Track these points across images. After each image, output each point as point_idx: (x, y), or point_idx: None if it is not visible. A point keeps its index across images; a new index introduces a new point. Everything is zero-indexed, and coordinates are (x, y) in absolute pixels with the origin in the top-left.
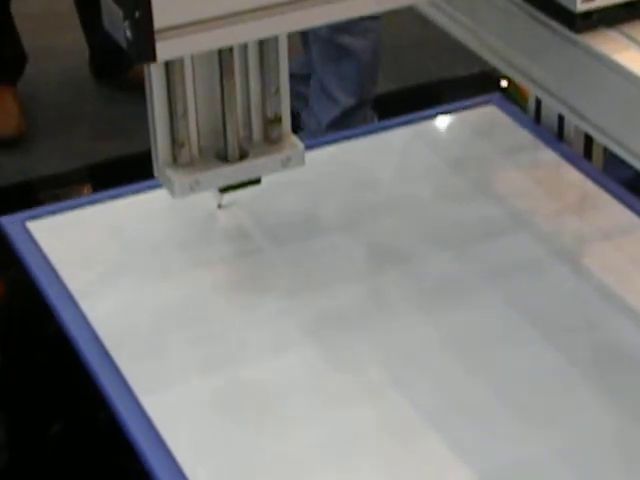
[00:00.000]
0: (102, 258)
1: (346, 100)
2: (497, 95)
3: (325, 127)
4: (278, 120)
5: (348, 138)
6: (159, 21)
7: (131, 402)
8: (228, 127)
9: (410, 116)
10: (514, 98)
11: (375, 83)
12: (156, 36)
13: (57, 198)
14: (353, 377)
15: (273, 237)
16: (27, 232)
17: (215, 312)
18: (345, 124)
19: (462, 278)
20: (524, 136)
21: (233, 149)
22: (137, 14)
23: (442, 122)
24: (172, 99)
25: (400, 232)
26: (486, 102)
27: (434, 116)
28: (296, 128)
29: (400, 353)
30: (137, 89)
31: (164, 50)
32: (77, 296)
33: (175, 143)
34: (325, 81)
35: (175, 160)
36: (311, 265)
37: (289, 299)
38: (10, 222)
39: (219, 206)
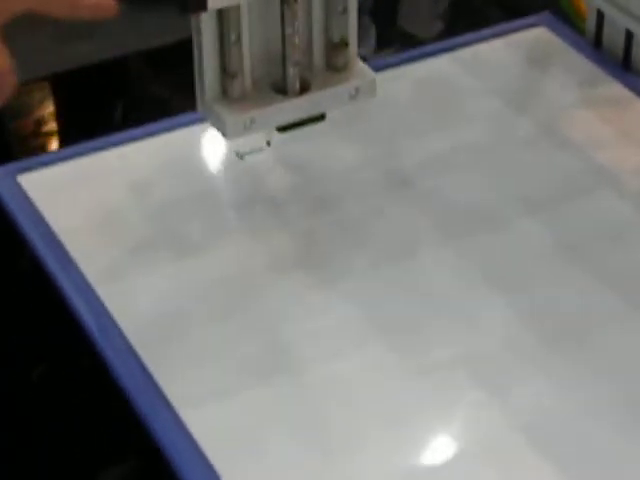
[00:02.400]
0: (113, 224)
1: None
2: (547, 14)
3: None
4: (344, 44)
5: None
6: None
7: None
8: (288, 54)
9: (445, 42)
10: (568, 15)
11: None
12: None
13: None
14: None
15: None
16: (19, 189)
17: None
18: None
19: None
20: (582, 65)
21: (293, 80)
22: None
23: (485, 49)
24: (224, 21)
25: (471, 190)
26: (535, 23)
27: (474, 42)
28: None
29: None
30: None
31: None
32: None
33: (226, 73)
34: None
35: (225, 93)
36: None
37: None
38: None
39: (267, 143)
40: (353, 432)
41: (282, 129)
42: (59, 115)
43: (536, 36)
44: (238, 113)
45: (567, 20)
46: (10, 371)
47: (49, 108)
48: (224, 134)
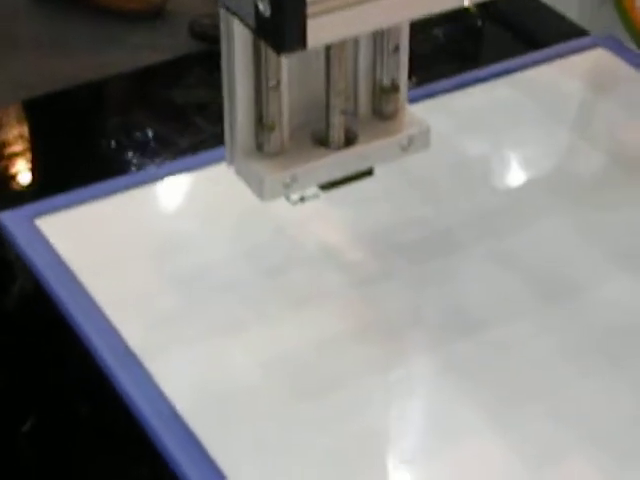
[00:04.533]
0: (133, 265)
1: None
2: (604, 34)
3: None
4: (394, 89)
5: (430, 96)
6: None
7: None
8: (332, 101)
9: (499, 65)
10: (629, 33)
11: None
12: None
13: None
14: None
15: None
16: (37, 231)
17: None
18: None
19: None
20: None
21: (338, 131)
22: None
23: (542, 73)
24: (262, 64)
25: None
26: (592, 44)
27: (530, 65)
28: None
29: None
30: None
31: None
32: (111, 317)
33: (262, 124)
34: None
35: (261, 148)
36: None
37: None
38: (14, 219)
39: (302, 199)
40: None
41: (326, 187)
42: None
43: (594, 58)
44: (277, 171)
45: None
46: None
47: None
48: (260, 195)
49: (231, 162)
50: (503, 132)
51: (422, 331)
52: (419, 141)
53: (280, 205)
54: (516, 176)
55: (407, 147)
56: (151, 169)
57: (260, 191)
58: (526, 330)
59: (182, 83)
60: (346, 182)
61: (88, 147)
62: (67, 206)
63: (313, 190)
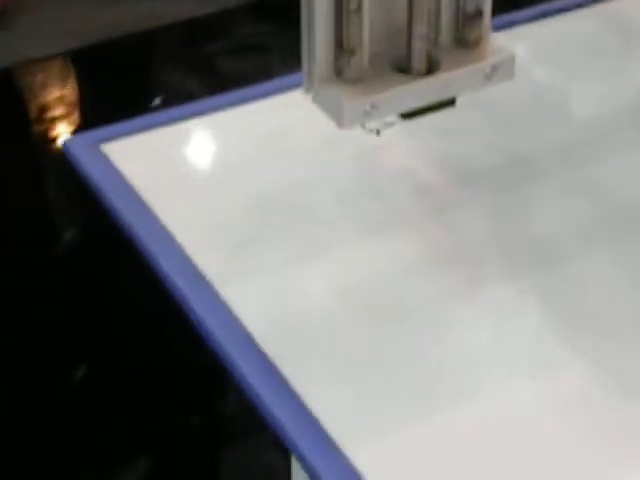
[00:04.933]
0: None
1: None
2: None
3: None
4: (479, 15)
5: (511, 25)
6: None
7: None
8: (415, 26)
9: None
10: None
11: None
12: None
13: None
14: None
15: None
16: (103, 157)
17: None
18: None
19: None
20: None
21: (420, 57)
22: None
23: (626, 4)
24: None
25: None
26: None
27: None
28: None
29: None
30: None
31: None
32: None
33: (343, 49)
34: None
35: (340, 73)
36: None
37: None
38: (80, 144)
39: (377, 132)
40: None
41: (407, 115)
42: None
43: None
44: (357, 97)
45: None
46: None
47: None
48: (339, 122)
49: (309, 89)
50: (584, 63)
51: (500, 259)
52: (503, 70)
53: (357, 132)
54: (596, 108)
55: (490, 76)
56: (216, 98)
57: (339, 118)
58: (605, 261)
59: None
60: (427, 111)
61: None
62: (132, 132)
63: (389, 119)
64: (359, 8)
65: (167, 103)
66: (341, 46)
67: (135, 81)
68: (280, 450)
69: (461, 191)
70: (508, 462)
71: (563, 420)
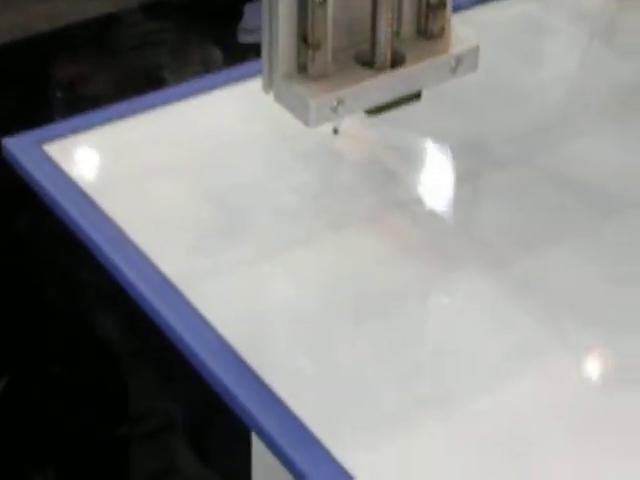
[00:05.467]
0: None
1: None
2: None
3: None
4: (442, 5)
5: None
6: None
7: None
8: (379, 19)
9: None
10: None
11: None
12: None
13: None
14: None
15: None
16: (46, 157)
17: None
18: None
19: None
20: None
21: (385, 51)
22: None
23: None
24: None
25: None
26: None
27: None
28: None
29: None
30: None
31: None
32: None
33: (307, 44)
34: None
35: (303, 69)
36: None
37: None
38: (20, 145)
39: (335, 131)
40: None
41: (373, 112)
42: None
43: None
44: (323, 94)
45: None
46: None
47: None
48: (306, 120)
49: (269, 86)
50: (532, 45)
51: (471, 248)
52: (468, 61)
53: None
54: (550, 90)
55: (455, 68)
56: (158, 93)
57: (305, 116)
58: (579, 245)
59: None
60: (393, 106)
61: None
62: (74, 131)
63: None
64: (324, 1)
65: (71, 103)
66: (305, 41)
67: (34, 84)
68: (194, 450)
69: (424, 181)
70: (499, 456)
71: (552, 410)
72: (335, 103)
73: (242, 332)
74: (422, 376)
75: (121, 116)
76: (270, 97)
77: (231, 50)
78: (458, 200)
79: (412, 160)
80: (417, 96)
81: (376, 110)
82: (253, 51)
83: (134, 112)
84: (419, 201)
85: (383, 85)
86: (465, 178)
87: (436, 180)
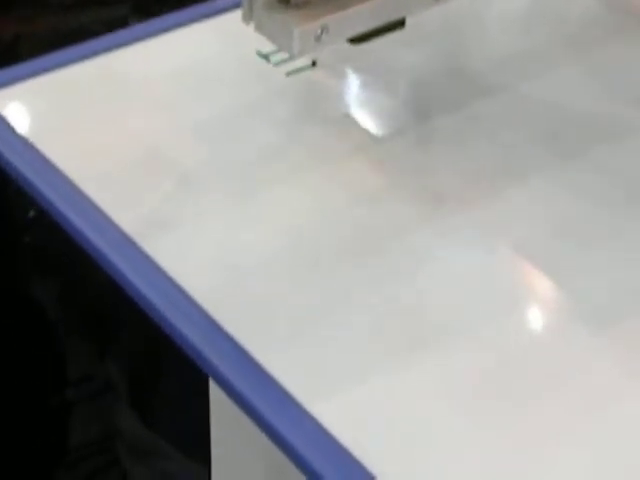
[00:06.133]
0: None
1: None
2: None
3: None
4: None
5: None
6: None
7: None
8: None
9: None
10: None
11: None
12: None
13: None
14: None
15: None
16: None
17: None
18: None
19: None
20: None
21: None
22: None
23: None
24: None
25: None
26: None
27: None
28: None
29: None
30: None
31: None
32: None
33: None
34: None
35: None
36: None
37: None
38: None
39: (313, 63)
40: None
41: (356, 40)
42: None
43: None
44: (307, 21)
45: None
46: None
47: None
48: (290, 49)
49: (249, 17)
50: None
51: (452, 185)
52: None
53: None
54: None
55: None
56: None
57: (289, 45)
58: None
59: None
60: (377, 34)
61: None
62: (13, 81)
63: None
64: None
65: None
66: None
67: None
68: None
69: (407, 112)
70: (487, 407)
71: (555, 347)
72: (319, 31)
73: (214, 289)
74: (398, 312)
75: (82, 58)
76: (250, 28)
77: None
78: (444, 131)
79: (393, 91)
80: (401, 24)
81: (359, 39)
82: None
83: (95, 54)
84: (403, 132)
85: (368, 12)
86: (450, 109)
87: (421, 112)
